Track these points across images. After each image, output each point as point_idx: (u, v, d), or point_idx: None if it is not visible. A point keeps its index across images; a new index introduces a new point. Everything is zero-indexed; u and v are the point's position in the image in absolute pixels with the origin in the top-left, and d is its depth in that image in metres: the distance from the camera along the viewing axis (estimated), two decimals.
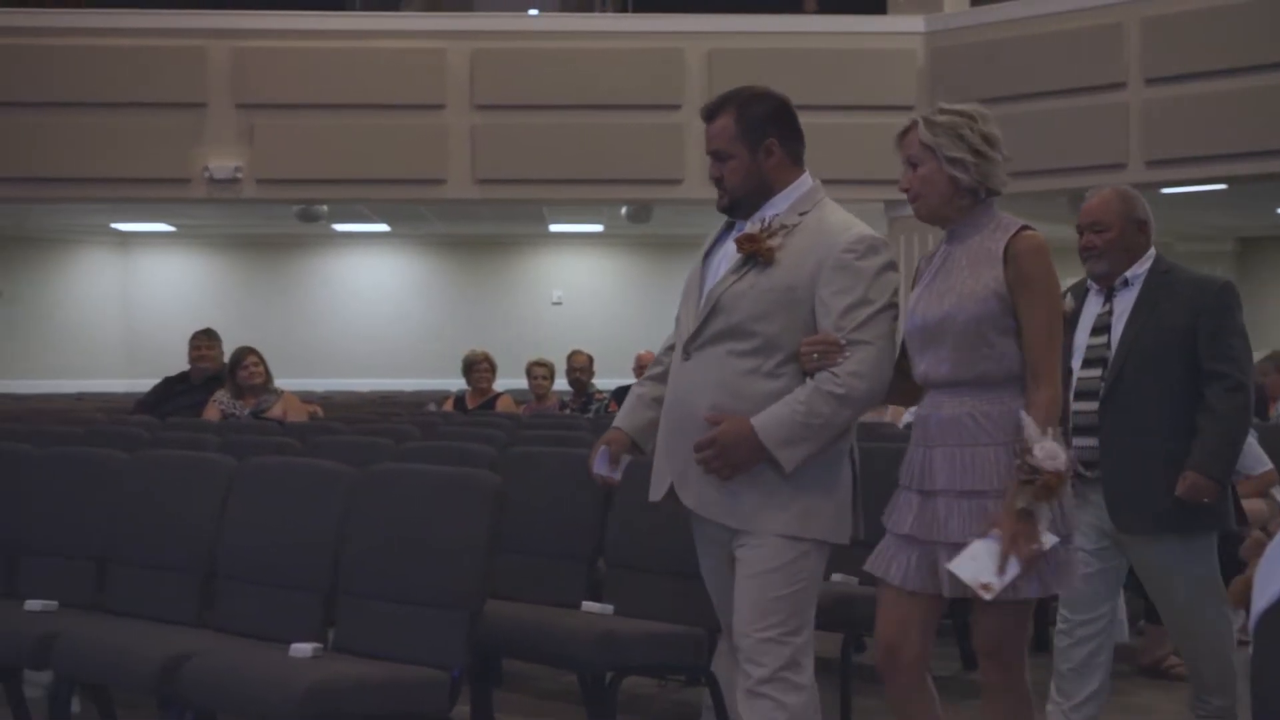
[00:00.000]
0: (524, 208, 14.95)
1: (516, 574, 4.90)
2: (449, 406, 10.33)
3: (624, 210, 14.06)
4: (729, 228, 3.69)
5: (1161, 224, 4.64)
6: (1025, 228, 3.43)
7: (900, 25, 13.25)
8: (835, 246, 3.50)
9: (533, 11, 15.44)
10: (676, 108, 12.89)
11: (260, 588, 4.37)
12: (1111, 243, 4.39)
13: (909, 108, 13.07)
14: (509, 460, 5.46)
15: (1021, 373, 3.38)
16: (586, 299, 17.84)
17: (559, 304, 17.96)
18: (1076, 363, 4.42)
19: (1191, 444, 4.28)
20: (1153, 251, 4.46)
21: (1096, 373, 4.40)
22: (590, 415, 9.76)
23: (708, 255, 3.69)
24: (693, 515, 3.61)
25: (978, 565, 3.28)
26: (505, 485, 4.12)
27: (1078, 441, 4.36)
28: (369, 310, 18.12)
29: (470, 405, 10.13)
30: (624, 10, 14.66)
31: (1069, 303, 4.46)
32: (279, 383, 8.83)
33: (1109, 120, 12.06)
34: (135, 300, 17.86)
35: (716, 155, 3.62)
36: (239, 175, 13.05)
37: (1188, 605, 4.39)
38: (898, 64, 13.12)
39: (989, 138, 3.44)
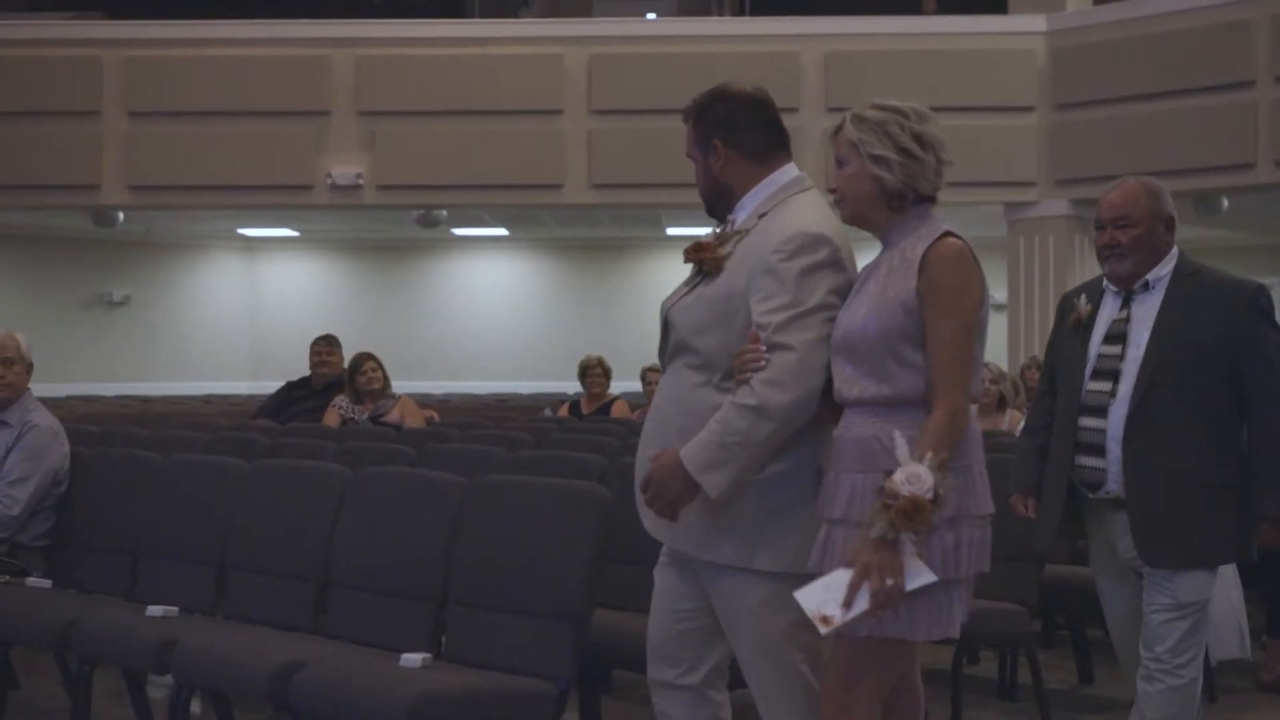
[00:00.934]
0: (640, 212, 15.00)
1: (626, 583, 4.89)
2: (564, 412, 10.38)
3: None
4: None
5: None
6: (948, 234, 3.15)
7: (1021, 25, 13.08)
8: (767, 249, 3.27)
9: (650, 16, 15.48)
10: (794, 110, 12.83)
11: (372, 597, 4.42)
12: (1138, 240, 4.00)
13: (1030, 108, 12.92)
14: (621, 469, 5.46)
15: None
16: None
17: None
18: (1087, 373, 4.06)
19: (1249, 479, 3.94)
20: (1176, 251, 4.08)
21: (1106, 386, 4.01)
22: None
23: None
24: None
25: (827, 595, 2.98)
26: (616, 494, 4.14)
27: (1083, 461, 4.04)
28: (487, 314, 18.28)
29: (585, 410, 10.16)
30: (741, 13, 14.64)
31: (1083, 305, 4.14)
32: (399, 385, 8.94)
33: (1237, 119, 11.79)
34: (260, 303, 18.20)
35: (692, 160, 3.53)
36: (360, 182, 13.26)
37: (1183, 636, 3.97)
38: (1018, 64, 12.95)
39: (921, 137, 3.15)
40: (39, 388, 5.86)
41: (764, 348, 3.19)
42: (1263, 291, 4.03)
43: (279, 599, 4.74)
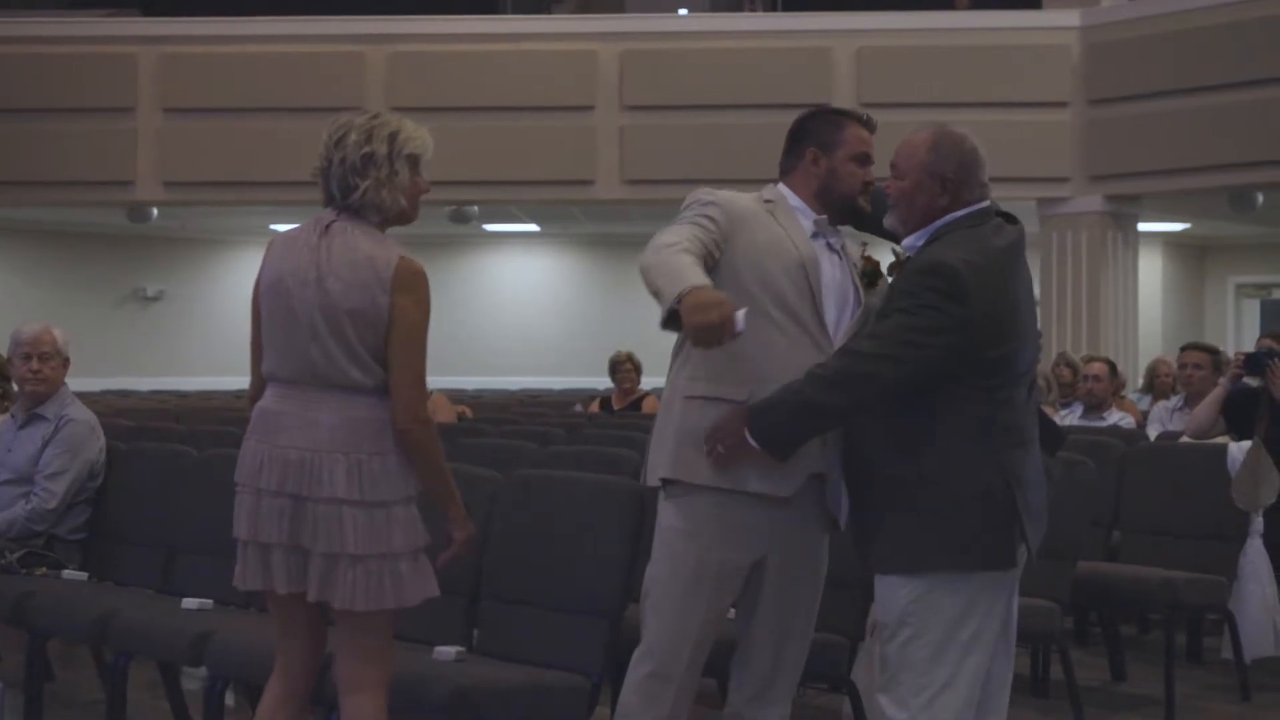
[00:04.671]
0: (672, 208, 14.67)
1: None
2: (595, 408, 10.40)
3: None
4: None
5: None
6: None
7: (1054, 20, 13.02)
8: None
9: (682, 12, 15.47)
10: None
11: None
12: (904, 194, 3.50)
13: (1063, 104, 12.86)
14: None
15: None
16: None
17: None
18: None
19: (950, 472, 3.36)
20: (951, 219, 3.46)
21: None
22: None
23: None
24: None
25: None
26: (647, 490, 4.14)
27: None
28: (519, 310, 18.31)
29: (616, 406, 10.18)
30: (773, 9, 14.62)
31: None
32: (430, 380, 8.93)
33: (1272, 115, 11.69)
34: None
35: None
36: None
37: (893, 670, 3.42)
38: (1052, 59, 12.89)
39: (369, 158, 3.48)
40: (73, 383, 5.90)
41: None
42: (939, 269, 3.36)
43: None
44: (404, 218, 3.59)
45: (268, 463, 3.47)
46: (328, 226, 3.52)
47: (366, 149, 3.47)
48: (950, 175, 3.47)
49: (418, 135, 3.56)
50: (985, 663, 3.46)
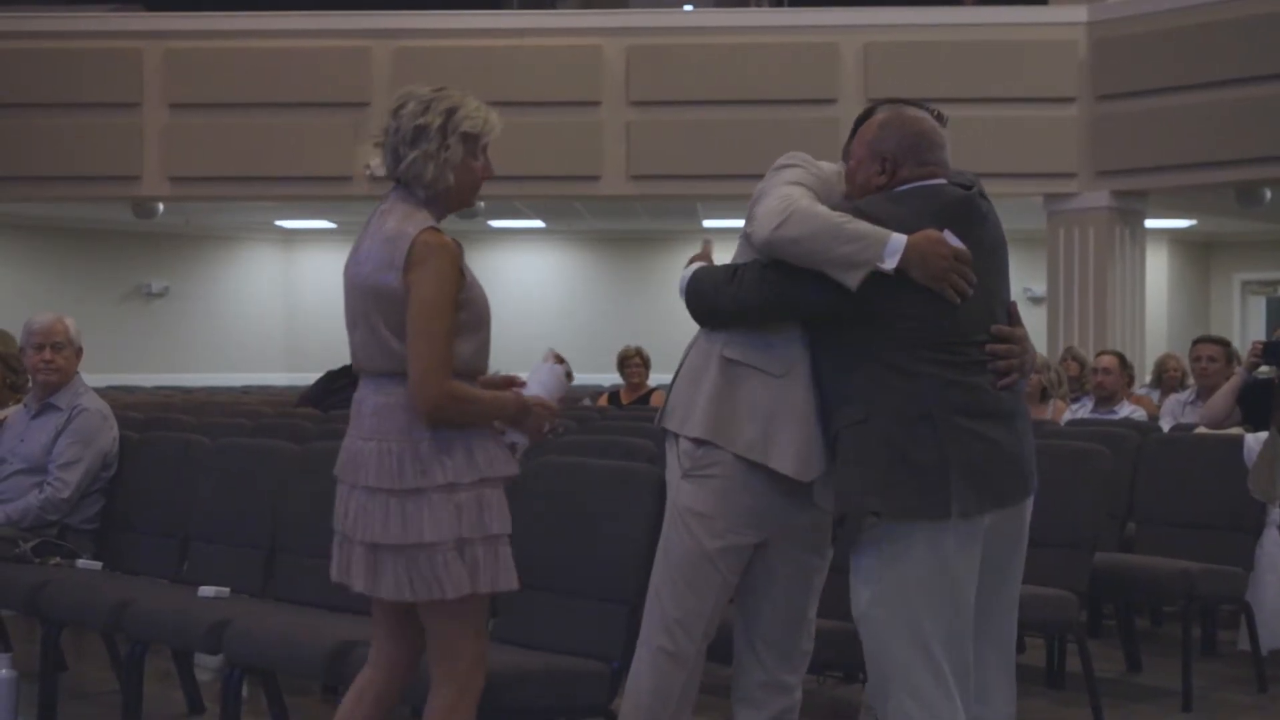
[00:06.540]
0: (678, 203, 14.99)
1: None
2: (603, 402, 10.39)
3: None
4: None
5: None
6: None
7: (1061, 15, 13.01)
8: None
9: (688, 7, 15.46)
10: (832, 102, 12.82)
11: None
12: (850, 171, 3.56)
13: (1070, 99, 12.85)
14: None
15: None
16: None
17: None
18: None
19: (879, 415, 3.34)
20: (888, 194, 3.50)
21: None
22: None
23: None
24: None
25: None
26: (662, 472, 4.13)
27: None
28: (524, 306, 18.26)
29: (625, 401, 10.17)
30: (779, 5, 14.61)
31: None
32: None
33: (1279, 110, 11.67)
34: (297, 295, 18.25)
35: None
36: None
37: (861, 626, 3.41)
38: (1059, 55, 12.88)
39: (421, 129, 3.31)
40: None
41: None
42: None
43: (329, 581, 4.73)
44: (454, 198, 3.40)
45: (342, 451, 3.42)
46: (382, 206, 3.40)
47: (421, 120, 3.30)
48: (889, 154, 3.47)
49: (479, 114, 3.35)
50: (967, 621, 3.35)
